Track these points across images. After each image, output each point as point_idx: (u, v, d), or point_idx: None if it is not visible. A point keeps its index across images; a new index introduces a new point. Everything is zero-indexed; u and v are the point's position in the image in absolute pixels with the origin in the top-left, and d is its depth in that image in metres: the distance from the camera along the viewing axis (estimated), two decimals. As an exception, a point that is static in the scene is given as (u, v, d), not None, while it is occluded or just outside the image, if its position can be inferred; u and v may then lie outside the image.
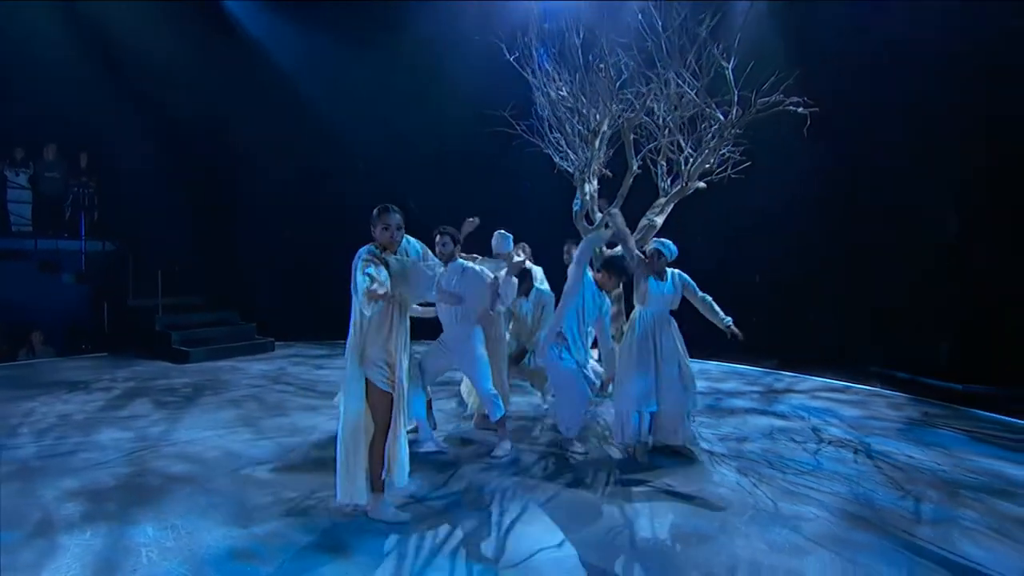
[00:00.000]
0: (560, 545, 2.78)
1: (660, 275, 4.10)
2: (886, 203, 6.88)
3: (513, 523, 3.01)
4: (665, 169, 7.00)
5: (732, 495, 3.36)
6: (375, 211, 2.94)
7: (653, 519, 3.05)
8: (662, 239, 4.23)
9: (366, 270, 2.71)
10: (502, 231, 5.20)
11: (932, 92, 6.31)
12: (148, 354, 7.20)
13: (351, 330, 2.92)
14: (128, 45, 8.16)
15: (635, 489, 3.45)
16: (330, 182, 9.39)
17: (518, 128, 7.51)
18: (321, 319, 9.00)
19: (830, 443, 4.30)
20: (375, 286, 2.63)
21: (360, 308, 2.78)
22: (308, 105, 9.12)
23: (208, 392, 5.59)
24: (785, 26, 7.39)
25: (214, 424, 4.58)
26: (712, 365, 7.48)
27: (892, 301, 6.82)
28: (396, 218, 2.91)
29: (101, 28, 8.16)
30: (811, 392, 6.07)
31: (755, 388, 6.27)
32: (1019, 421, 4.99)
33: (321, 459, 3.86)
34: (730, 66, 6.01)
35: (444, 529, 2.93)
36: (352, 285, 2.78)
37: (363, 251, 2.88)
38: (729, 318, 4.09)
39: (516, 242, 5.40)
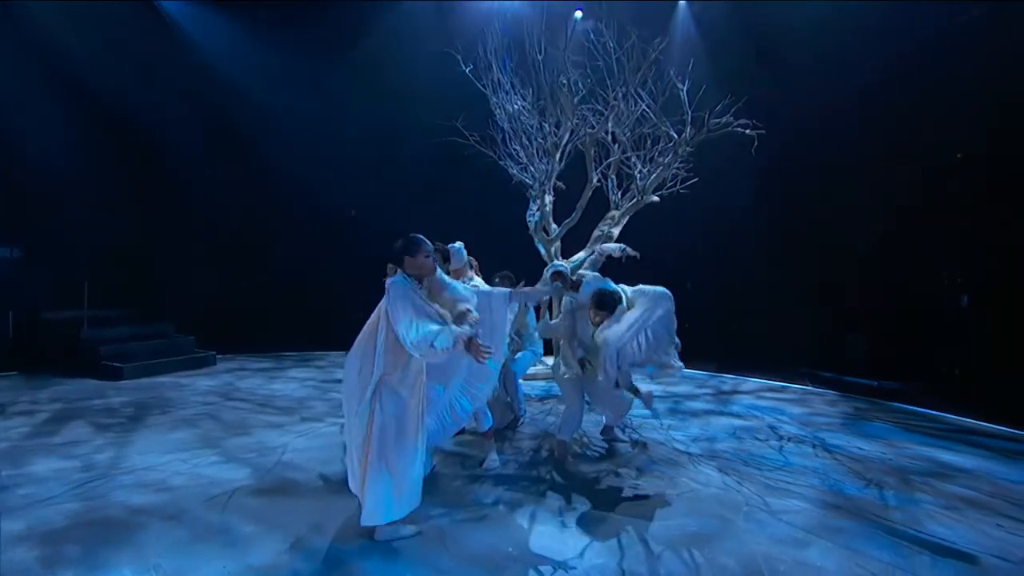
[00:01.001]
0: (581, 555, 2.81)
1: (575, 288, 4.22)
2: (809, 219, 7.59)
3: (526, 536, 3.00)
4: (615, 183, 7.33)
5: (722, 494, 3.56)
6: (405, 246, 2.93)
7: (658, 522, 3.16)
8: (555, 262, 4.44)
9: (425, 326, 2.71)
10: (455, 244, 4.86)
11: (851, 119, 7.08)
12: (72, 372, 6.39)
13: (374, 356, 2.84)
14: (41, 33, 7.24)
15: (631, 493, 3.56)
16: (273, 188, 8.89)
17: (470, 139, 7.54)
18: (265, 331, 8.50)
19: (789, 440, 4.67)
20: (465, 329, 2.78)
21: (419, 350, 2.72)
22: (253, 108, 8.59)
23: (155, 411, 5.06)
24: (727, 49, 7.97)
25: (172, 446, 4.17)
26: (659, 369, 7.84)
27: (814, 308, 7.54)
28: (430, 245, 2.99)
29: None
30: (755, 393, 6.54)
31: (706, 391, 6.65)
32: (928, 411, 5.68)
33: (302, 481, 3.64)
34: (684, 87, 6.43)
35: (456, 547, 2.87)
36: (396, 320, 2.74)
37: (404, 285, 2.83)
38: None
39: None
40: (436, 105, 8.38)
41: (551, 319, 4.81)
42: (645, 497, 3.51)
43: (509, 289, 3.74)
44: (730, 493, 3.57)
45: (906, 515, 3.26)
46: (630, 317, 3.84)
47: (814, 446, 4.50)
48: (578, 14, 9.01)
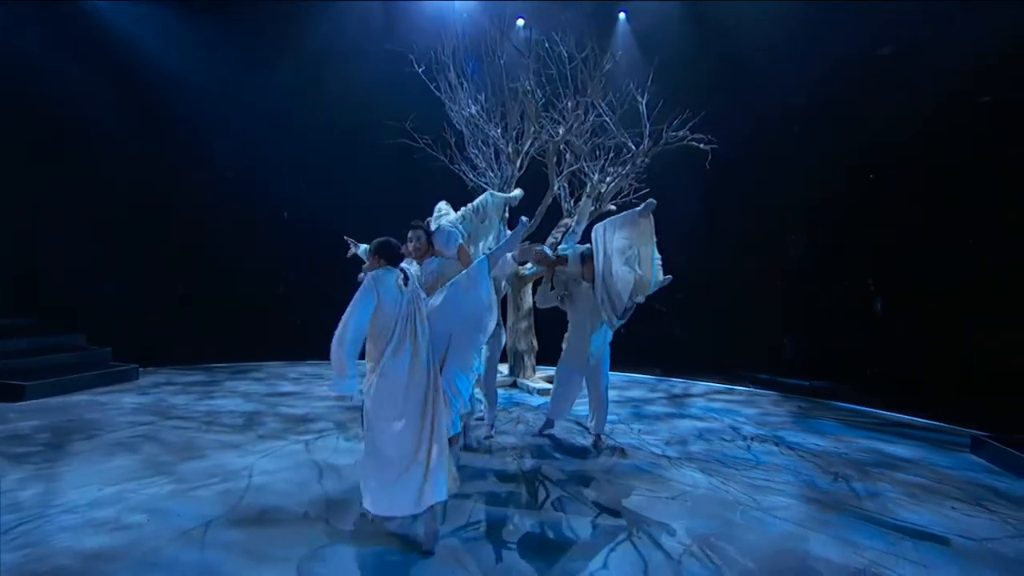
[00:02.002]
0: (606, 565, 2.78)
1: (562, 263, 4.70)
2: (742, 231, 8.12)
3: (546, 550, 2.91)
4: (568, 191, 7.46)
5: (713, 494, 3.68)
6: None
7: (666, 526, 3.20)
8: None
9: None
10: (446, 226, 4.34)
11: (783, 135, 7.66)
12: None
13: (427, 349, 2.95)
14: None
15: (629, 499, 3.58)
16: (198, 185, 8.12)
17: (420, 142, 7.35)
18: (190, 341, 7.71)
19: (753, 439, 4.95)
20: None
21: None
22: (175, 99, 7.80)
23: (77, 436, 4.37)
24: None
25: (114, 476, 3.61)
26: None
27: (749, 315, 8.07)
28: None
29: None
30: (706, 395, 6.89)
31: (659, 395, 6.91)
32: (858, 407, 6.29)
33: (282, 507, 3.30)
34: (643, 101, 6.67)
35: (477, 566, 2.72)
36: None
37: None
38: None
39: None
40: (384, 104, 8.12)
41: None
42: (643, 502, 3.54)
43: (483, 257, 3.63)
44: (719, 493, 3.70)
45: (877, 504, 3.56)
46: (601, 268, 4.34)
47: (777, 444, 4.80)
48: (520, 22, 9.09)
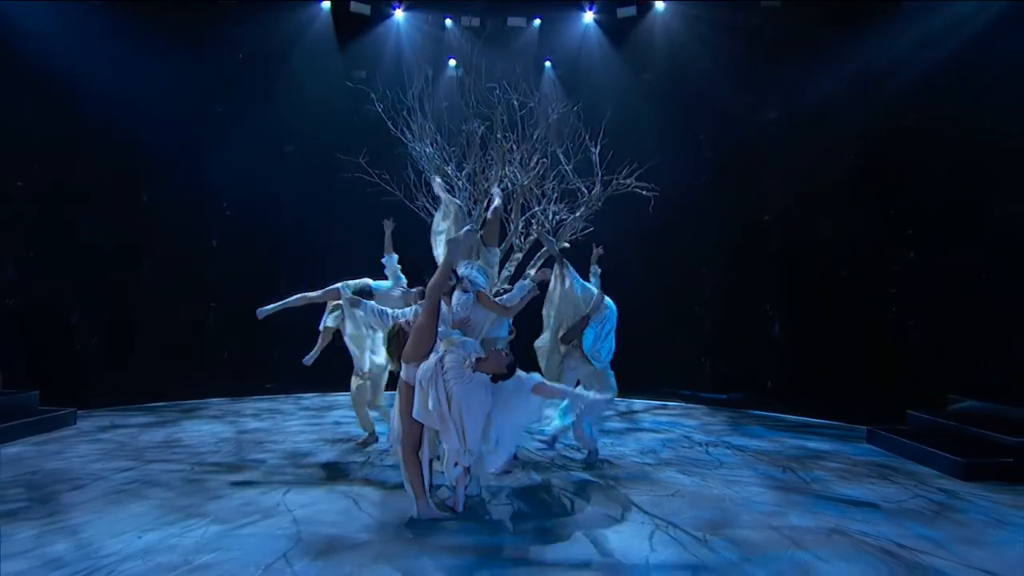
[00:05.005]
0: (653, 549, 3.34)
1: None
2: (665, 260, 9.31)
3: (604, 547, 3.39)
4: (521, 227, 8.13)
5: (702, 490, 4.42)
6: None
7: (681, 517, 3.84)
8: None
9: None
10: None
11: (699, 189, 9.06)
12: None
13: None
14: None
15: (637, 499, 4.18)
16: (115, 200, 7.58)
17: (374, 177, 7.59)
18: (123, 378, 7.05)
19: (707, 445, 5.85)
20: None
21: None
22: (97, 105, 7.26)
23: (61, 487, 3.99)
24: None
25: (144, 522, 3.45)
26: (552, 397, 8.71)
27: (669, 339, 9.22)
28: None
29: None
30: (648, 411, 7.78)
31: (609, 412, 7.64)
32: (770, 413, 7.51)
33: (350, 535, 3.42)
34: (596, 151, 7.58)
35: (560, 566, 3.14)
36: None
37: None
38: None
39: None
40: (329, 132, 8.30)
41: None
42: (651, 500, 4.15)
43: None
44: (705, 489, 4.45)
45: (821, 486, 4.54)
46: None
47: (728, 448, 5.73)
48: (452, 62, 9.73)
